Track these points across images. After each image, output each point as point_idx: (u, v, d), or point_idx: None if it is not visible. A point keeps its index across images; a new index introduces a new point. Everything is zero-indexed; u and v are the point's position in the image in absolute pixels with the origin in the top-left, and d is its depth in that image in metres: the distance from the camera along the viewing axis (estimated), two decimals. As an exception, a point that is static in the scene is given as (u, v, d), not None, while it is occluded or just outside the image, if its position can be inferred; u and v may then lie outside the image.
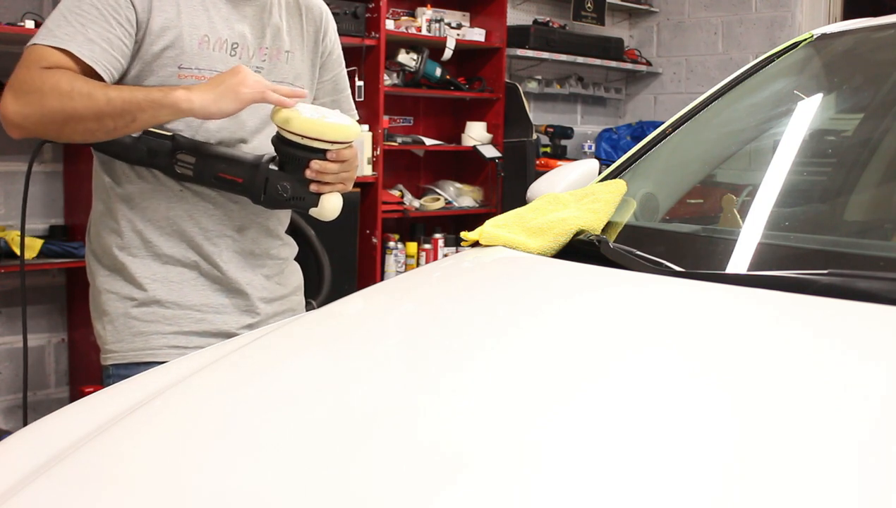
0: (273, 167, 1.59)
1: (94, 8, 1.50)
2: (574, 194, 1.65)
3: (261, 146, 1.65)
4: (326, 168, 1.56)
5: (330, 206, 1.61)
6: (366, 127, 4.24)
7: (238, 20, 1.64)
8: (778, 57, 1.84)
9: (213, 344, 1.58)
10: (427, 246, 4.70)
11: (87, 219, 1.73)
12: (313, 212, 1.62)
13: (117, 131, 1.51)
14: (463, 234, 1.66)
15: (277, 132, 1.57)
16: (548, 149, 5.38)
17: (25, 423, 1.23)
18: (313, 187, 1.58)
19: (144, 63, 1.56)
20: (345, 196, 1.68)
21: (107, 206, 1.66)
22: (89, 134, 1.51)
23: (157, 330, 1.64)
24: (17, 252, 3.13)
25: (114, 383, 1.44)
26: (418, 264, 4.63)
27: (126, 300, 1.64)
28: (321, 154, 1.56)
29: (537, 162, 5.00)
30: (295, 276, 1.83)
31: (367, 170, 4.23)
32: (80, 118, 1.46)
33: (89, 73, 1.50)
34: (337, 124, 1.56)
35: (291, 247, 1.82)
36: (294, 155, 1.56)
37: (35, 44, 1.50)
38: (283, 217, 1.79)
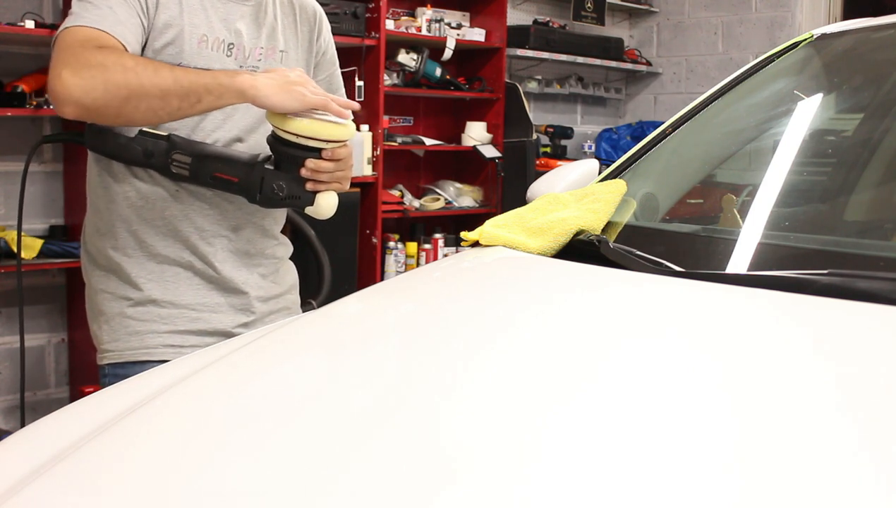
0: (269, 166, 1.59)
1: None
2: (574, 194, 1.65)
3: (256, 145, 1.65)
4: (322, 167, 1.56)
5: (326, 205, 1.61)
6: (366, 127, 4.24)
7: (235, 20, 1.64)
8: (778, 57, 1.84)
9: (209, 343, 1.58)
10: (427, 246, 4.70)
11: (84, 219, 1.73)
12: (309, 210, 1.62)
13: (181, 112, 1.47)
14: (463, 234, 1.66)
15: (273, 131, 1.57)
16: (548, 149, 5.38)
17: (23, 423, 1.23)
18: (309, 186, 1.58)
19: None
20: (345, 196, 1.68)
21: (101, 207, 1.66)
22: (151, 113, 1.46)
23: (153, 328, 1.64)
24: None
25: (111, 383, 1.45)
26: (418, 264, 4.63)
27: (121, 299, 1.64)
28: (316, 153, 1.56)
29: (537, 162, 5.00)
30: (290, 275, 1.84)
31: (367, 170, 4.24)
32: (145, 94, 1.42)
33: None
34: (332, 123, 1.56)
35: (287, 247, 1.82)
36: (289, 154, 1.56)
37: (69, 26, 1.47)
38: (279, 216, 1.79)
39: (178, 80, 1.44)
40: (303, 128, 1.53)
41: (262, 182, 1.58)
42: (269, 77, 1.48)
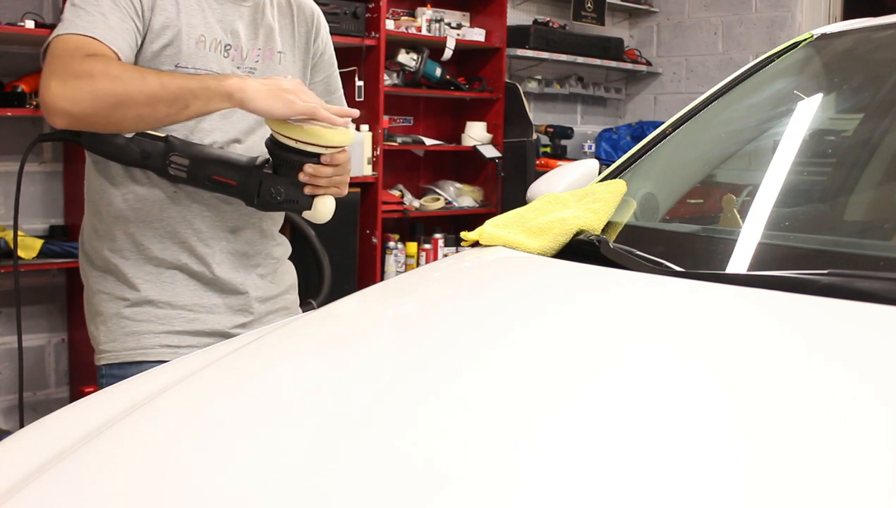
0: (267, 170, 1.59)
1: (110, 0, 1.50)
2: (574, 194, 1.65)
3: (254, 147, 1.65)
4: (320, 172, 1.56)
5: (323, 209, 1.62)
6: (366, 127, 4.24)
7: (233, 21, 1.64)
8: (778, 57, 1.84)
9: (206, 344, 1.58)
10: (427, 246, 4.70)
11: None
12: (306, 214, 1.63)
13: (169, 118, 1.47)
14: (463, 234, 1.66)
15: (271, 135, 1.57)
16: (548, 149, 5.38)
17: (22, 423, 1.23)
18: (307, 190, 1.59)
19: (144, 61, 1.56)
20: (345, 196, 1.68)
21: (99, 208, 1.66)
22: (140, 120, 1.46)
23: (150, 329, 1.64)
24: (17, 252, 3.13)
25: (108, 383, 1.45)
26: (418, 264, 4.63)
27: (118, 300, 1.64)
28: (315, 158, 1.56)
29: (537, 162, 5.00)
30: (288, 275, 1.84)
31: (367, 170, 4.23)
32: (132, 102, 1.42)
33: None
34: (331, 129, 1.56)
35: (285, 247, 1.82)
36: (288, 158, 1.57)
37: (60, 35, 1.47)
38: (278, 217, 1.79)
39: (165, 85, 1.44)
40: (302, 133, 1.53)
41: (260, 185, 1.58)
42: (259, 82, 1.48)
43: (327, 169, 1.57)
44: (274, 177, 1.59)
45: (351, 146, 1.62)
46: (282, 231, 1.83)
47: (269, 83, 1.49)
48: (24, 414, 1.75)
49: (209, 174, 1.58)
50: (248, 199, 1.61)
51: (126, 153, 1.58)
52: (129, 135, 1.56)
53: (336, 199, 1.64)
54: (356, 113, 1.58)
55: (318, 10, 1.82)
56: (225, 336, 1.63)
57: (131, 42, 1.51)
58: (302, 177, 1.57)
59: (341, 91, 1.86)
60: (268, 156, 1.60)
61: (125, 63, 1.47)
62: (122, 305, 1.64)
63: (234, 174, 1.59)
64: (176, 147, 1.57)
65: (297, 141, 1.54)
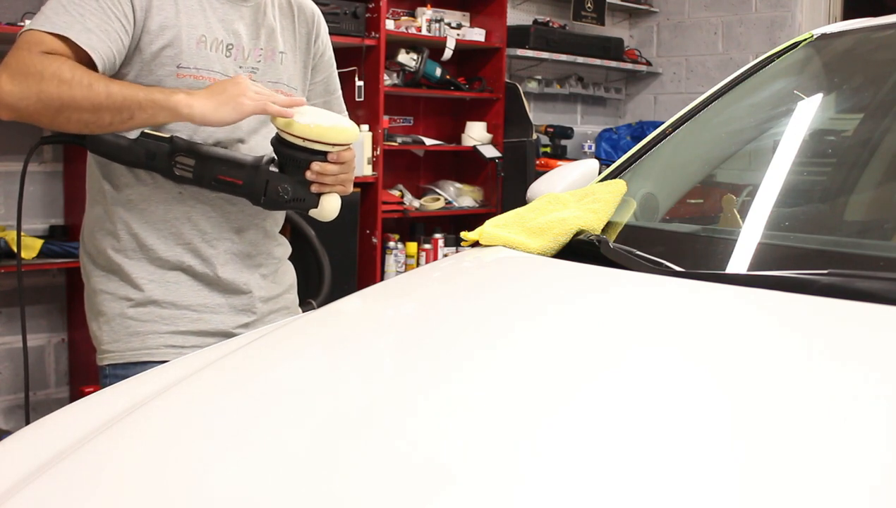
0: (273, 169, 1.59)
1: (93, 0, 1.50)
2: (574, 194, 1.65)
3: (258, 146, 1.65)
4: (327, 169, 1.58)
5: (329, 207, 1.63)
6: (366, 127, 4.24)
7: (234, 21, 1.64)
8: (778, 57, 1.84)
9: (210, 344, 1.58)
10: (427, 246, 4.70)
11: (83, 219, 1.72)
12: (313, 212, 1.64)
13: (112, 127, 1.49)
14: (463, 234, 1.66)
15: (277, 134, 1.57)
16: (548, 149, 5.38)
17: (28, 423, 1.23)
18: (314, 188, 1.60)
19: (143, 63, 1.56)
20: (344, 196, 1.68)
21: (102, 209, 1.65)
22: (83, 125, 1.48)
23: (154, 329, 1.64)
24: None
25: (111, 383, 1.45)
26: (418, 264, 4.63)
27: (122, 300, 1.64)
28: (322, 156, 1.57)
29: (537, 162, 5.00)
30: (289, 275, 1.84)
31: (367, 170, 4.23)
32: (76, 108, 1.44)
33: (86, 61, 1.48)
34: (338, 127, 1.57)
35: (286, 247, 1.83)
36: (295, 157, 1.57)
37: (32, 29, 1.48)
38: (279, 217, 1.79)
39: (111, 95, 1.45)
40: (308, 132, 1.54)
41: (266, 184, 1.59)
42: (205, 94, 1.50)
43: (334, 166, 1.58)
44: (280, 176, 1.59)
45: (353, 144, 1.63)
46: (282, 231, 1.83)
47: (214, 93, 1.50)
48: (24, 413, 1.75)
49: (215, 174, 1.58)
50: (254, 199, 1.61)
51: (130, 154, 1.58)
52: (133, 136, 1.56)
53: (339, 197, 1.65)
54: (303, 101, 1.58)
55: (318, 11, 1.82)
56: (228, 336, 1.63)
57: (113, 44, 1.50)
58: (309, 175, 1.58)
59: (340, 91, 1.87)
60: (273, 154, 1.60)
61: (79, 67, 1.46)
62: (125, 305, 1.64)
63: (240, 173, 1.59)
64: (181, 147, 1.57)
65: (304, 139, 1.55)
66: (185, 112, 1.48)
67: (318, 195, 1.61)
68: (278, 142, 1.58)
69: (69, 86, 1.43)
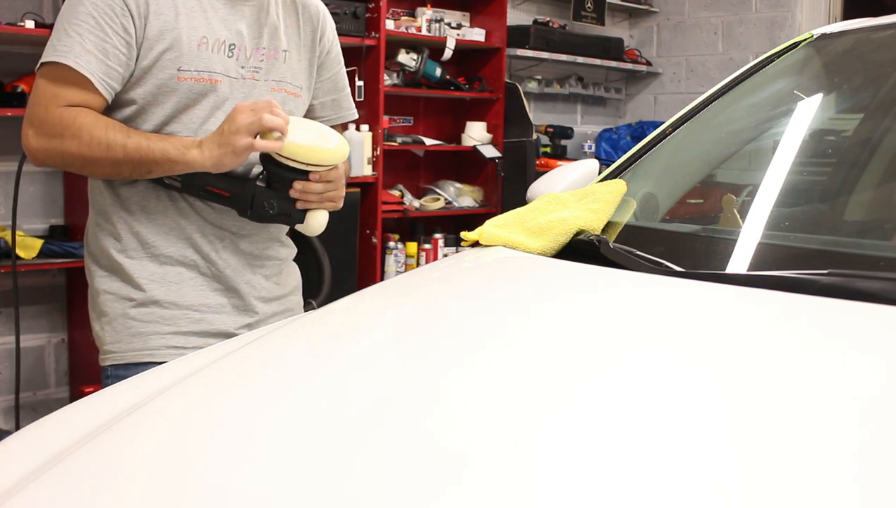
0: (260, 183, 1.61)
1: (90, 17, 1.52)
2: (574, 194, 1.65)
3: (248, 159, 1.66)
4: (310, 188, 1.60)
5: (315, 223, 1.65)
6: (366, 127, 4.24)
7: (235, 20, 1.64)
8: (778, 57, 1.84)
9: (211, 344, 1.58)
10: (427, 246, 4.70)
11: (87, 220, 1.73)
12: (299, 227, 1.66)
13: (134, 176, 1.58)
14: (463, 234, 1.66)
15: None
16: (548, 149, 5.38)
17: (17, 424, 1.23)
18: (299, 205, 1.62)
19: (144, 68, 1.56)
20: (345, 196, 1.69)
21: (103, 209, 1.66)
22: (108, 176, 1.60)
23: (156, 330, 1.64)
24: (17, 252, 3.13)
25: (113, 384, 1.45)
26: (418, 264, 4.63)
27: (124, 300, 1.64)
28: (304, 174, 1.58)
29: (537, 162, 5.00)
30: (293, 277, 1.84)
31: (367, 170, 4.23)
32: (98, 164, 1.54)
33: (87, 84, 1.52)
34: (321, 149, 1.57)
35: (290, 249, 1.83)
36: (279, 174, 1.60)
37: (43, 63, 1.54)
38: None
39: (128, 154, 1.53)
40: (292, 153, 1.55)
41: (252, 198, 1.61)
42: (212, 143, 1.53)
43: (318, 185, 1.60)
44: (267, 191, 1.61)
45: (352, 147, 1.63)
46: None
47: (219, 140, 1.53)
48: (24, 413, 1.75)
49: (203, 184, 1.60)
50: (241, 211, 1.62)
51: None
52: None
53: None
54: (282, 123, 1.53)
55: (324, 8, 1.82)
56: (230, 336, 1.63)
57: (112, 61, 1.54)
58: (292, 193, 1.59)
59: (349, 88, 1.88)
60: (262, 169, 1.62)
61: (95, 125, 1.52)
62: (128, 305, 1.64)
63: (228, 185, 1.60)
64: None
65: (287, 159, 1.56)
66: (199, 166, 1.54)
67: (304, 211, 1.62)
68: (265, 158, 1.60)
69: (88, 147, 1.52)
